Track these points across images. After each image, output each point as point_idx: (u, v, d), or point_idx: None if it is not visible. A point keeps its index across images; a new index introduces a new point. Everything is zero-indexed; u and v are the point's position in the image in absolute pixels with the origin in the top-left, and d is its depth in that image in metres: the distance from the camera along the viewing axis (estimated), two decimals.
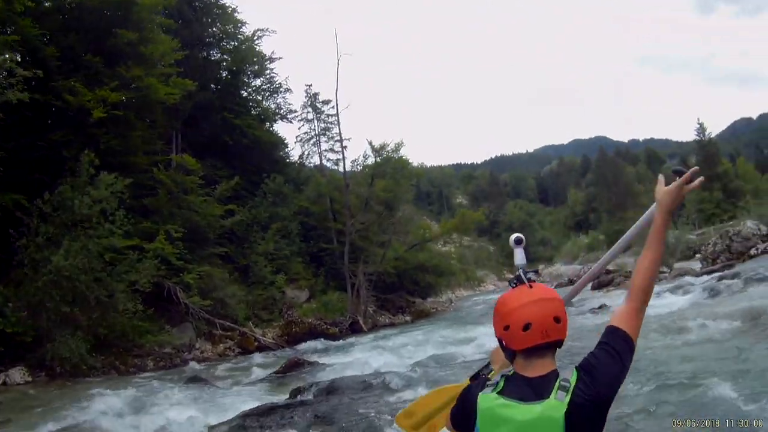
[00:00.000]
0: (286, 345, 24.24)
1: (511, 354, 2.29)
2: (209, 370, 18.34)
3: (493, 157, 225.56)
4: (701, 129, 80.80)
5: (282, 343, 24.46)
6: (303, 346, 23.46)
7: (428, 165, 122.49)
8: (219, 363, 19.94)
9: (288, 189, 34.69)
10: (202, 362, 20.60)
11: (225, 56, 37.88)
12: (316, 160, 44.02)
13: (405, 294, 36.21)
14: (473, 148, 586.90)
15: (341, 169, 38.29)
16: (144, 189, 24.29)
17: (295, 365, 14.27)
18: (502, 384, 2.23)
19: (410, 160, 35.61)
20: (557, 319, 2.20)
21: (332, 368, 13.53)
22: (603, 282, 33.66)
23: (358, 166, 37.66)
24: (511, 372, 2.28)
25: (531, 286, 2.28)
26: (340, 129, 37.20)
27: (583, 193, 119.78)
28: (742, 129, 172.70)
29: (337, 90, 34.46)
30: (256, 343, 23.73)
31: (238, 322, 24.66)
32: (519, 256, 2.72)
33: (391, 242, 34.19)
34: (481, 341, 18.75)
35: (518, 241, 2.78)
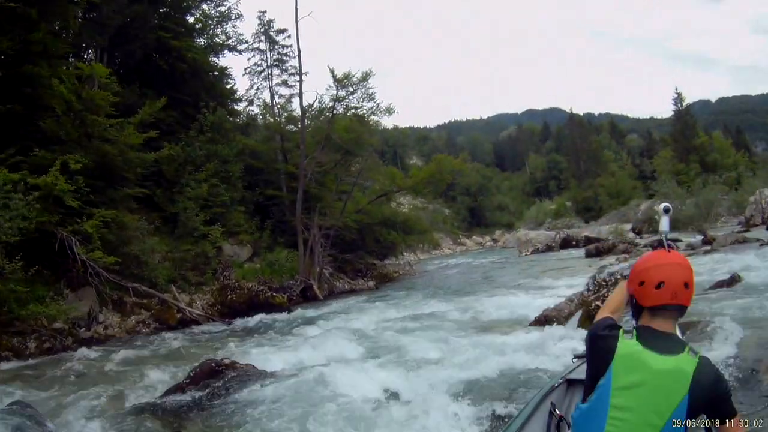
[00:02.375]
0: (218, 317, 18.59)
1: (638, 310, 2.55)
2: (99, 358, 12.81)
3: (447, 122, 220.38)
4: (679, 99, 78.13)
5: (214, 314, 18.76)
6: (240, 321, 17.90)
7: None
8: (121, 345, 14.22)
9: (231, 124, 28.68)
10: (102, 343, 15.04)
11: None
12: (266, 96, 37.61)
13: (365, 254, 30.70)
14: (425, 113, 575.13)
15: (296, 106, 32.17)
16: (42, 109, 18.44)
17: (210, 374, 8.06)
18: (636, 333, 2.44)
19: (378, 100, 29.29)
20: (686, 285, 2.43)
21: (274, 387, 7.55)
22: (602, 249, 29.35)
23: (314, 111, 31.32)
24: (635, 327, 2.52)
25: (669, 251, 2.52)
26: (298, 40, 29.98)
27: (543, 160, 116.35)
28: (700, 111, 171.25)
29: None
30: (179, 315, 18.11)
31: (158, 287, 18.95)
32: (664, 224, 2.83)
33: (353, 192, 28.42)
34: (492, 317, 13.94)
35: (666, 210, 2.86)
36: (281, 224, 28.40)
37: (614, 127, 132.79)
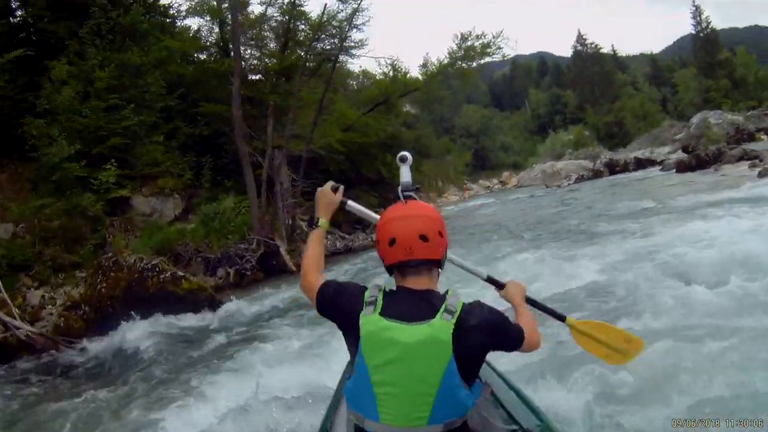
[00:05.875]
0: (58, 338, 8.94)
1: (389, 270, 2.19)
2: None
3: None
4: (698, 12, 72.84)
5: (72, 322, 9.26)
6: (95, 344, 8.56)
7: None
8: None
9: (151, 24, 18.69)
10: None
11: None
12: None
13: (362, 192, 20.10)
14: (407, 59, 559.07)
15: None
16: None
17: None
18: (381, 302, 2.05)
19: None
20: (424, 237, 2.07)
21: None
22: (705, 159, 23.89)
23: None
24: (389, 287, 2.14)
25: (406, 203, 2.23)
26: None
27: (544, 95, 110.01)
28: (688, 46, 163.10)
29: None
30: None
31: None
32: (404, 174, 2.53)
33: (330, 90, 18.14)
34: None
35: (403, 159, 2.59)
36: (233, 165, 18.37)
37: (616, 56, 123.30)
